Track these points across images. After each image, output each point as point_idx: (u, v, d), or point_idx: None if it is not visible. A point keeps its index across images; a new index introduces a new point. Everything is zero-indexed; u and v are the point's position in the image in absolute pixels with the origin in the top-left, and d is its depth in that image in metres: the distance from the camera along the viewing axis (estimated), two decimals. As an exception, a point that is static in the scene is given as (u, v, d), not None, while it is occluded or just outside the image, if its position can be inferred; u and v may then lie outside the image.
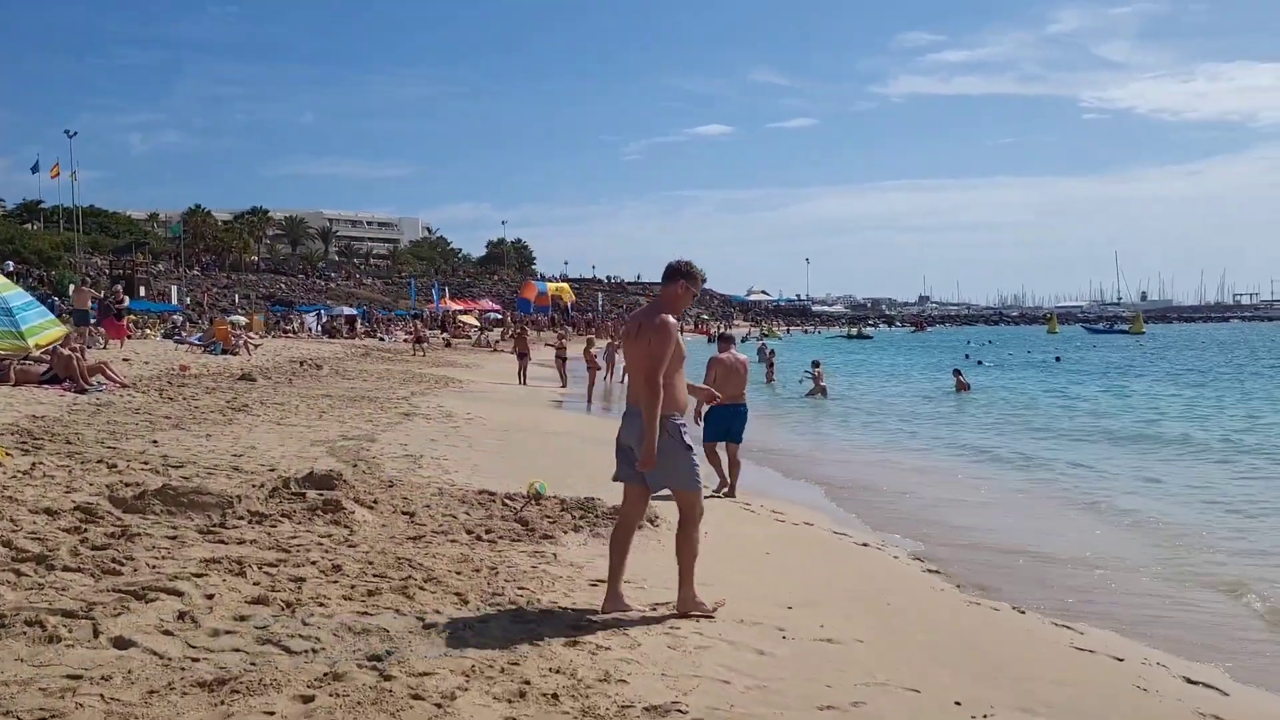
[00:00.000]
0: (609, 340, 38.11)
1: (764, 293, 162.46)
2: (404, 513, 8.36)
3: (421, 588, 5.90)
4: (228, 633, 4.86)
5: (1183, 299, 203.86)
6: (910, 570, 8.13)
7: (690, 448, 5.92)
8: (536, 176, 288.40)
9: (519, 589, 6.10)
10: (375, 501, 8.62)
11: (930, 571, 8.12)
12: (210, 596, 5.37)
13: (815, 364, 29.85)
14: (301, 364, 30.16)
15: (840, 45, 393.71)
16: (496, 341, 57.46)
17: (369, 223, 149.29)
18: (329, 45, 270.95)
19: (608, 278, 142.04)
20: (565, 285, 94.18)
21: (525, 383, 29.54)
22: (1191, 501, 11.87)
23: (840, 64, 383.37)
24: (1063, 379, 37.09)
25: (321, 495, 8.30)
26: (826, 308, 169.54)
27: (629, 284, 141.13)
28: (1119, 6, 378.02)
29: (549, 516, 8.62)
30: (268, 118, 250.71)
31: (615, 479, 6.11)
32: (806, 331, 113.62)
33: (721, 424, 11.52)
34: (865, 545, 8.90)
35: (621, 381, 34.06)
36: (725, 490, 11.37)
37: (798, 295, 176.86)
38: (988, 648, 5.85)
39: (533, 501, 9.28)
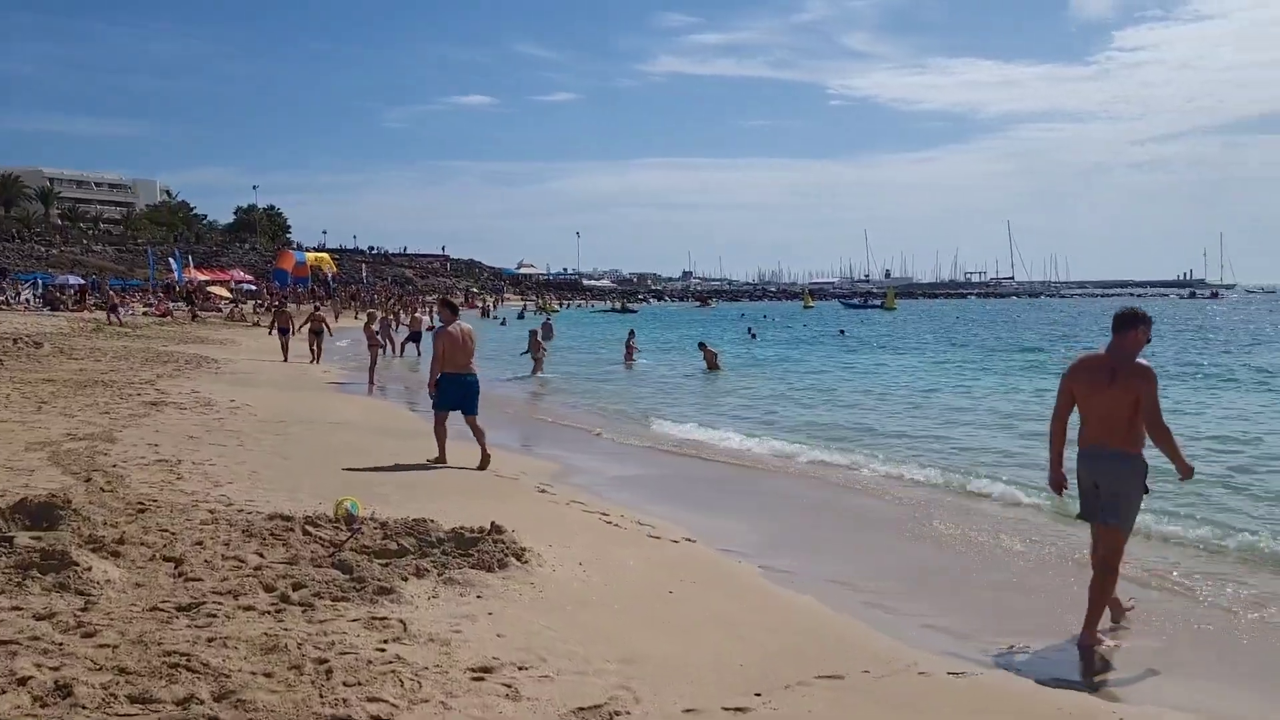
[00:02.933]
0: (384, 315, 35.05)
1: (533, 266, 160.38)
2: (166, 558, 5.93)
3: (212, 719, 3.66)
4: None
5: (921, 277, 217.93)
6: (807, 603, 6.51)
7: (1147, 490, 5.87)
8: (290, 142, 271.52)
9: (370, 700, 3.96)
10: (121, 542, 6.12)
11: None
12: None
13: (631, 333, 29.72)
14: (15, 341, 25.58)
15: (602, 21, 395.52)
16: (254, 315, 52.49)
17: (98, 184, 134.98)
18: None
19: (370, 249, 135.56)
20: (326, 255, 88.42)
21: (286, 359, 27.45)
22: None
23: (602, 40, 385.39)
24: (879, 354, 37.37)
25: (39, 541, 5.75)
26: (595, 282, 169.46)
27: (394, 255, 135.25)
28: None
29: (373, 551, 6.42)
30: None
31: (1082, 518, 6.04)
32: (579, 306, 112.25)
33: (455, 394, 11.31)
34: (769, 570, 7.20)
35: (399, 356, 31.32)
36: (479, 464, 11.01)
37: (565, 269, 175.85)
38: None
39: (346, 528, 7.02)
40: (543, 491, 9.86)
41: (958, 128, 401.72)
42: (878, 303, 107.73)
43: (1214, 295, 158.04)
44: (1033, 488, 10.25)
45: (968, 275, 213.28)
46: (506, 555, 6.10)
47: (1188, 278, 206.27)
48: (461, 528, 7.07)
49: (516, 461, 12.17)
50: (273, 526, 6.82)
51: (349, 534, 6.70)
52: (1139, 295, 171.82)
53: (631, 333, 34.44)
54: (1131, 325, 5.80)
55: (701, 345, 30.49)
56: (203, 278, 75.13)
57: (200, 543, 6.33)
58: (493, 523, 6.98)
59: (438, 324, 12.91)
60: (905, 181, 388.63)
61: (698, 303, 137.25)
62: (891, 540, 8.66)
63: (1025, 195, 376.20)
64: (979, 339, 47.60)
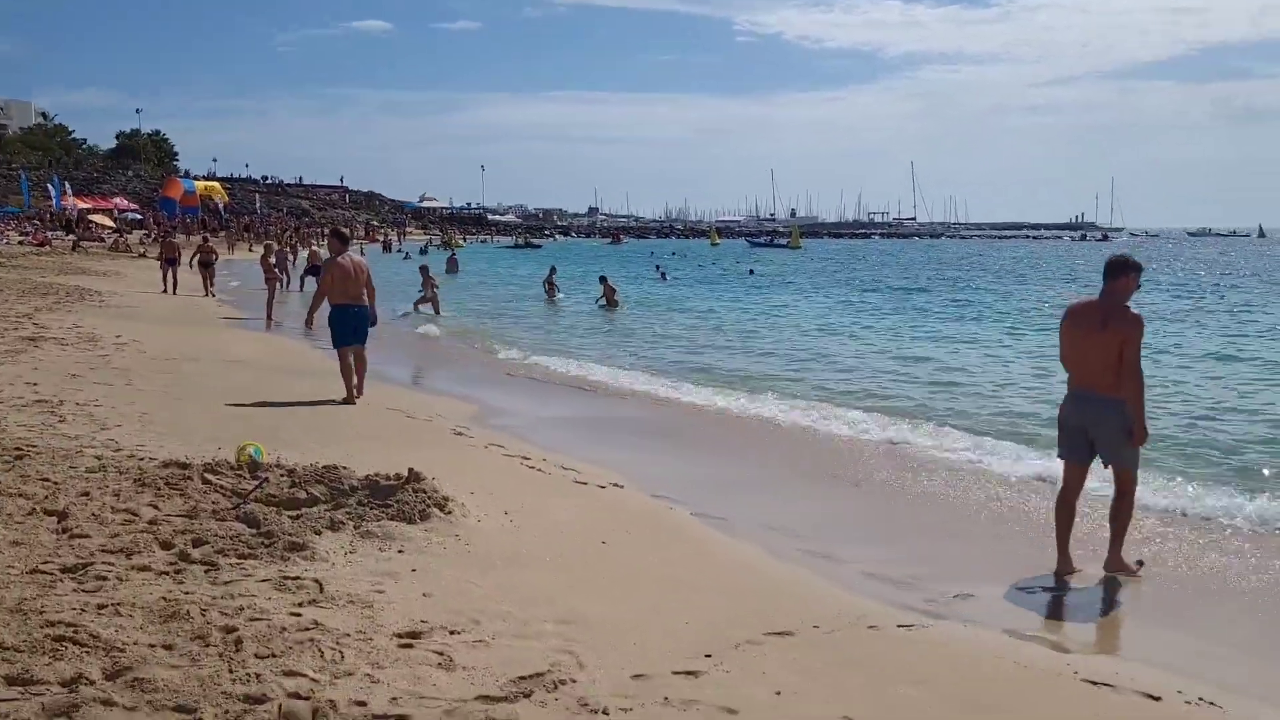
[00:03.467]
0: (280, 247, 33.57)
1: (435, 200, 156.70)
2: (48, 512, 5.36)
3: (105, 703, 3.21)
4: None
5: (826, 216, 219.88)
6: (753, 554, 6.29)
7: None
8: (175, 64, 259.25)
9: (287, 675, 3.54)
10: (-4, 493, 5.52)
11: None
12: None
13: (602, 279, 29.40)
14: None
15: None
16: (141, 246, 50.05)
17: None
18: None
19: (265, 178, 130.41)
20: (216, 185, 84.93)
21: (174, 291, 26.64)
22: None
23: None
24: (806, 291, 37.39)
25: (-103, 494, 5.12)
26: (500, 217, 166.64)
27: (289, 185, 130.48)
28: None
29: (281, 502, 5.94)
30: None
31: (1060, 457, 6.33)
32: (484, 241, 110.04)
33: (348, 327, 11.13)
34: (704, 517, 6.93)
35: (300, 290, 30.11)
36: (354, 395, 10.98)
37: (469, 203, 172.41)
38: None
39: (250, 476, 6.51)
40: (459, 434, 9.43)
41: (863, 67, 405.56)
42: (783, 241, 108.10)
43: (1104, 238, 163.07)
44: (962, 430, 10.22)
45: (871, 215, 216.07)
46: (428, 505, 5.69)
47: (1079, 220, 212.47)
48: (376, 475, 6.63)
49: (429, 403, 11.69)
50: (168, 475, 6.27)
51: (254, 483, 6.19)
52: (1034, 237, 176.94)
53: (553, 269, 33.52)
54: (1122, 272, 5.97)
55: (603, 279, 29.83)
56: (83, 206, 71.22)
57: (86, 494, 5.76)
58: (410, 469, 6.54)
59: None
60: (811, 120, 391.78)
61: (609, 239, 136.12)
62: (822, 485, 8.50)
63: (927, 136, 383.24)
64: (884, 280, 48.18)
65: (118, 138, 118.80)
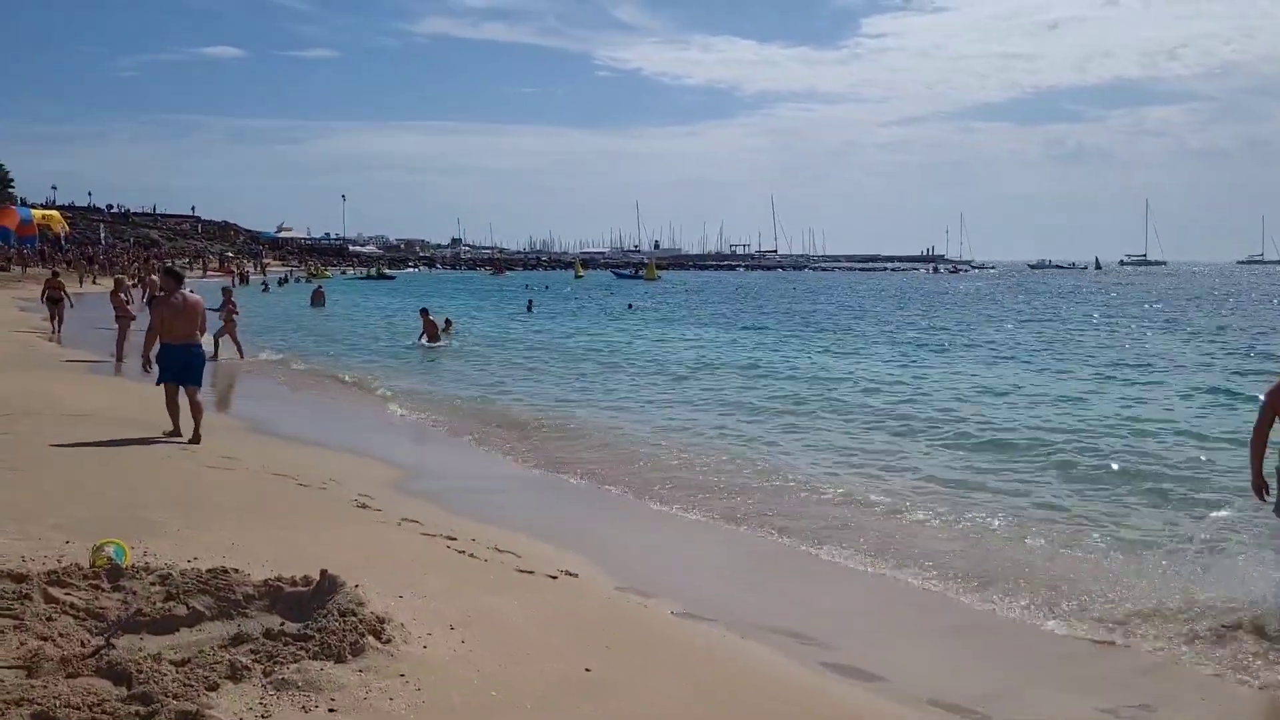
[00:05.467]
0: (132, 281, 30.89)
1: (292, 230, 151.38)
2: None
3: None
4: None
5: (689, 248, 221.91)
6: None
7: None
8: (5, 84, 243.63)
9: None
10: None
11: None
12: None
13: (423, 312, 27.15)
14: None
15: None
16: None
17: None
18: None
19: (109, 206, 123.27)
20: (55, 213, 79.30)
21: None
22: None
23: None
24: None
25: None
26: (361, 248, 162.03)
27: (135, 214, 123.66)
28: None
29: (153, 621, 4.50)
30: None
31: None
32: (344, 273, 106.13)
33: (176, 365, 10.94)
34: (693, 618, 5.71)
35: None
36: (189, 438, 10.55)
37: (328, 234, 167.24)
38: None
39: (110, 588, 5.00)
40: (363, 507, 7.98)
41: (720, 103, 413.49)
42: (641, 273, 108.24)
43: (954, 271, 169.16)
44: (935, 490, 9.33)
45: (733, 247, 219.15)
46: (360, 634, 4.29)
47: (930, 253, 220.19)
48: (278, 580, 5.21)
49: (319, 461, 10.16)
50: (-2, 591, 4.70)
51: (119, 611, 4.68)
52: (892, 269, 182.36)
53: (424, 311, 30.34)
54: None
55: (423, 312, 27.30)
56: (-96, 235, 65.32)
57: (-124, 632, 4.17)
58: (323, 572, 5.15)
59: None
60: (671, 153, 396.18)
61: (490, 270, 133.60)
62: (785, 556, 7.41)
63: (784, 171, 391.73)
64: (762, 312, 47.97)
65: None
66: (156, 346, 11.13)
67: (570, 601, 5.69)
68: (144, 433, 11.14)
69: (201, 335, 11.37)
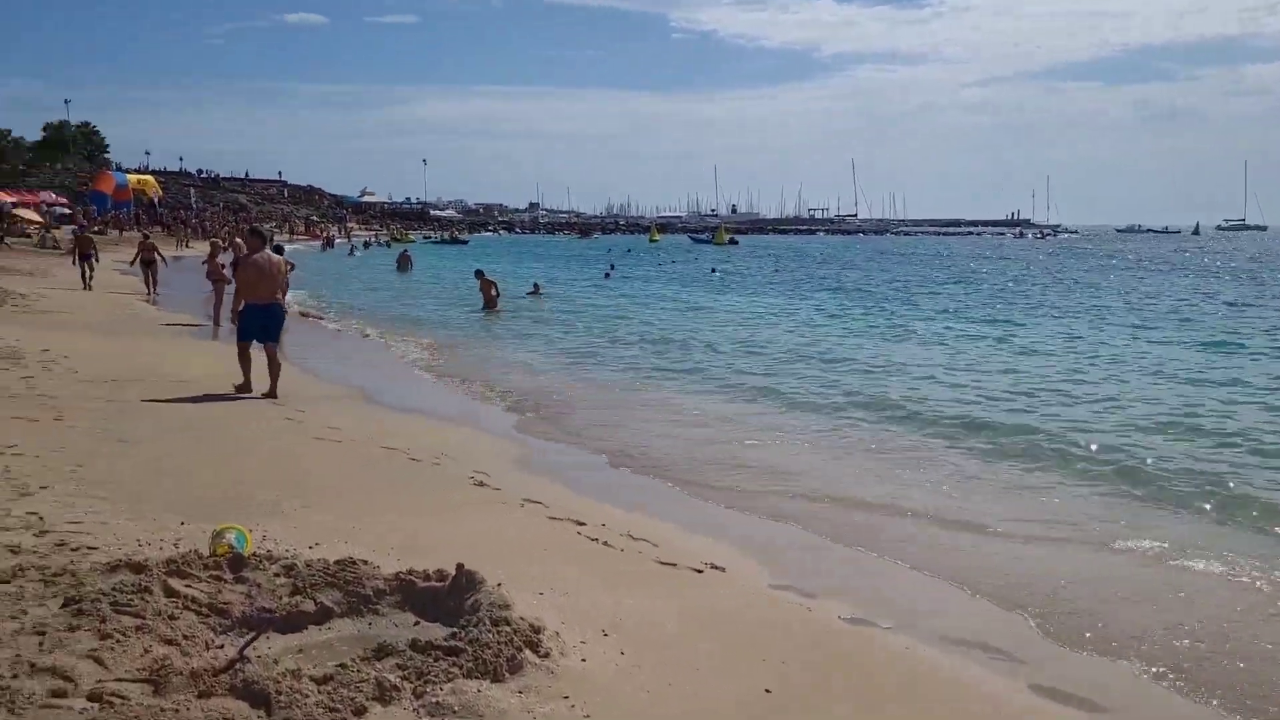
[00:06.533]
0: (225, 245, 31.08)
1: (374, 194, 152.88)
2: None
3: None
4: None
5: (767, 212, 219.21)
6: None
7: None
8: (103, 53, 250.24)
9: None
10: None
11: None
12: None
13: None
14: None
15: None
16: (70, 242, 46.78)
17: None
18: None
19: (199, 172, 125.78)
20: (150, 178, 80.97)
21: (90, 287, 25.94)
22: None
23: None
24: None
25: None
26: (441, 212, 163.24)
27: (225, 180, 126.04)
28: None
29: (283, 621, 4.07)
30: None
31: None
32: (426, 237, 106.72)
33: (255, 323, 11.31)
34: (865, 624, 5.13)
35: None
36: (265, 393, 11.05)
37: (409, 198, 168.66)
38: None
39: (234, 581, 4.60)
40: (481, 485, 7.53)
41: (798, 65, 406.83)
42: (728, 238, 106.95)
43: (1040, 236, 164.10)
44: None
45: (811, 211, 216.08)
46: (517, 646, 3.80)
47: (1015, 217, 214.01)
48: (410, 573, 4.77)
49: (426, 431, 9.77)
50: (116, 587, 4.31)
51: (245, 609, 4.26)
52: (976, 233, 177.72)
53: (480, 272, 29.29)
54: None
55: (478, 274, 26.35)
56: (7, 200, 67.28)
57: (-10, 628, 3.81)
58: (460, 567, 4.70)
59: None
60: (748, 117, 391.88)
61: (577, 234, 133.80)
62: (929, 556, 6.76)
63: (863, 133, 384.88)
64: (848, 280, 46.73)
65: (45, 129, 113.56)
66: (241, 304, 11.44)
67: (724, 603, 5.14)
68: (247, 399, 10.91)
69: (284, 296, 11.64)
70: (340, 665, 3.66)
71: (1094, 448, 9.59)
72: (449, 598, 4.64)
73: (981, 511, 7.48)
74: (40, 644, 3.69)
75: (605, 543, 6.11)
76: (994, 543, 6.78)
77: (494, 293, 25.37)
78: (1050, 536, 6.91)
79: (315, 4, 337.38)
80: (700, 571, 5.68)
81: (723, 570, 5.75)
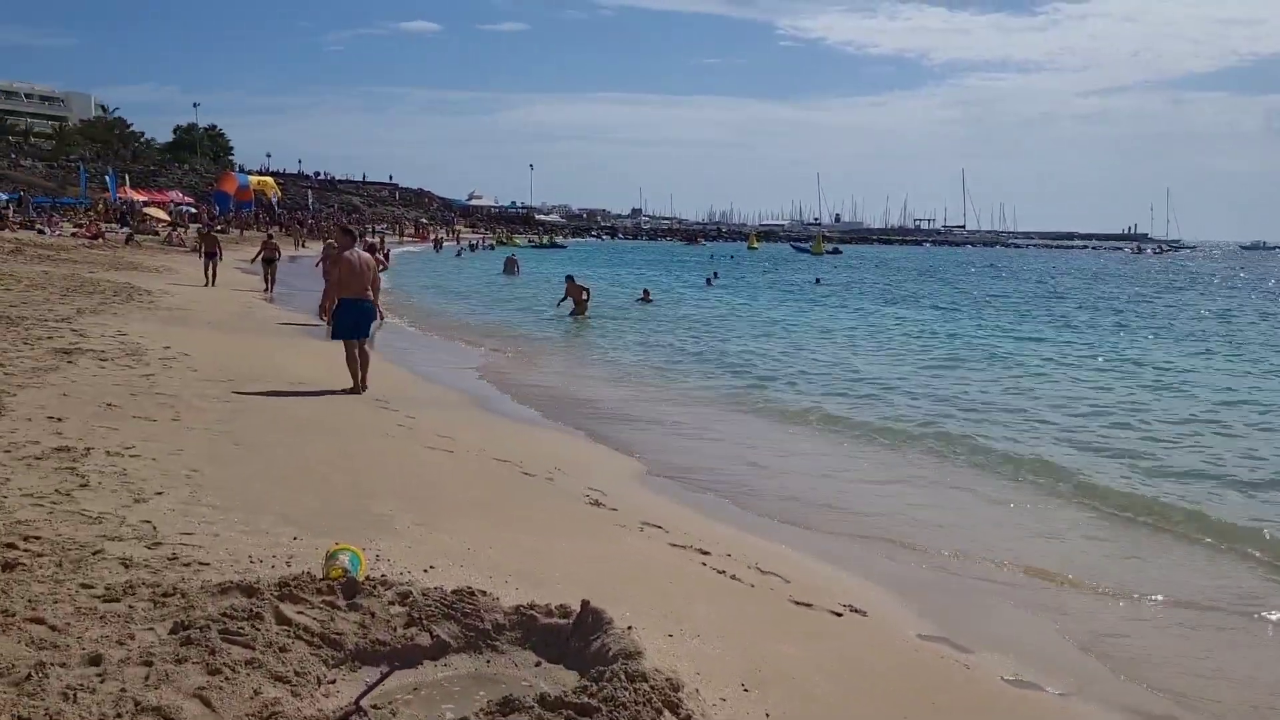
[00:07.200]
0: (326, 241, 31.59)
1: (481, 197, 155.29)
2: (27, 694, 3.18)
3: None
4: None
5: (871, 222, 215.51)
6: None
7: None
8: (229, 59, 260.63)
9: None
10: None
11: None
12: None
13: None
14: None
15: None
16: (195, 240, 48.45)
17: (28, 95, 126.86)
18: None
19: (316, 174, 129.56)
20: (269, 180, 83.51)
21: (213, 284, 26.57)
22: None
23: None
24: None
25: None
26: (545, 216, 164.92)
27: (339, 181, 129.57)
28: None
29: (391, 650, 3.77)
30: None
31: None
32: (530, 241, 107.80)
33: (350, 320, 11.51)
34: (1032, 689, 4.59)
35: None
36: (355, 386, 11.28)
37: (514, 202, 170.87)
38: None
39: (347, 608, 4.32)
40: (596, 505, 7.19)
41: (907, 74, 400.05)
42: (830, 248, 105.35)
43: (1159, 251, 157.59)
44: None
45: (917, 222, 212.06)
46: (657, 708, 3.38)
47: (1133, 231, 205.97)
48: (531, 607, 4.44)
49: (537, 442, 9.50)
50: (227, 611, 4.07)
51: (359, 640, 3.96)
52: (1092, 248, 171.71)
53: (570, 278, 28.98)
54: None
55: (569, 279, 26.28)
56: (139, 198, 70.20)
57: (97, 659, 3.58)
58: (585, 603, 4.34)
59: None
60: (854, 125, 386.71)
61: (683, 240, 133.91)
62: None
63: (973, 143, 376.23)
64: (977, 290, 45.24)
65: (175, 131, 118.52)
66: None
67: (870, 656, 4.66)
68: (360, 402, 10.82)
69: (375, 294, 11.83)
70: (436, 660, 3.32)
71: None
72: (574, 638, 4.28)
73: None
74: (146, 678, 3.44)
75: (733, 576, 5.69)
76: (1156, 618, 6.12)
77: (584, 297, 25.32)
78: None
79: (431, 13, 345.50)
80: (839, 615, 5.22)
81: (864, 615, 5.27)
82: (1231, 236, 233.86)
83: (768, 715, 3.74)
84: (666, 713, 3.41)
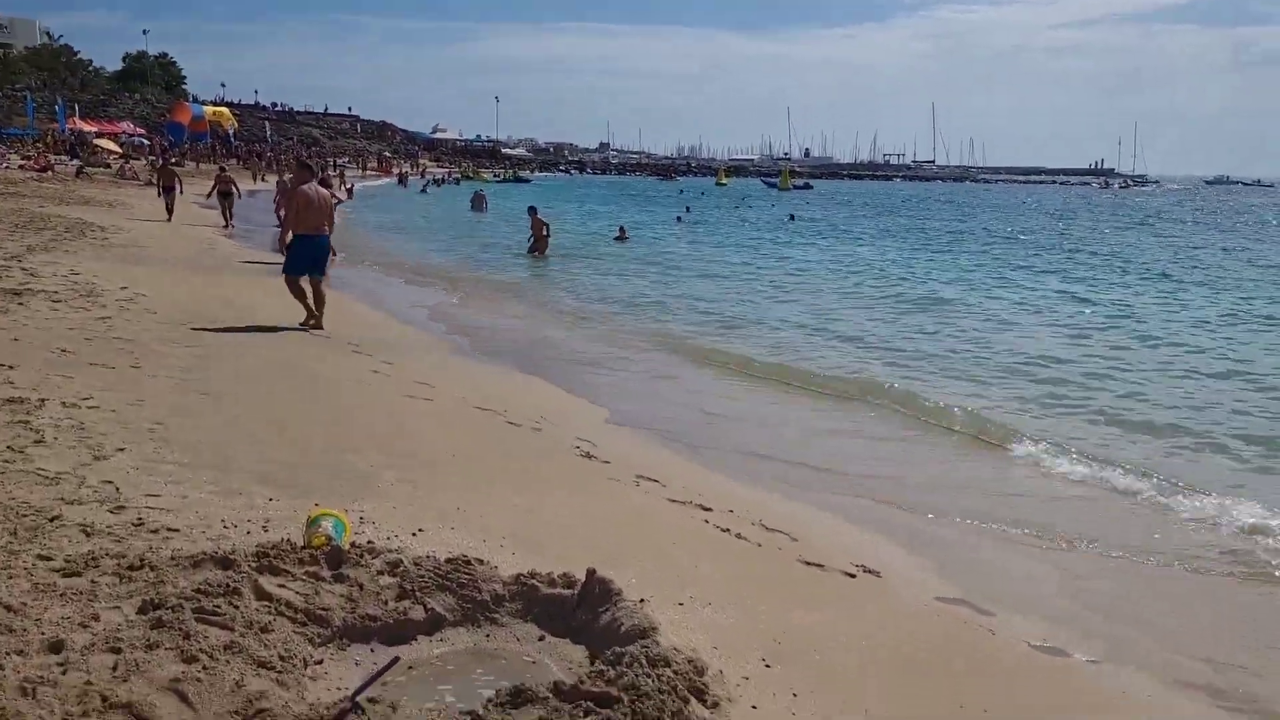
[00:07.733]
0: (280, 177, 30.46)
1: (446, 131, 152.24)
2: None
3: None
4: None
5: (841, 157, 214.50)
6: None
7: None
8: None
9: None
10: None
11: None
12: None
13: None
14: None
15: None
16: (149, 173, 46.94)
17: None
18: None
19: (274, 104, 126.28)
20: (225, 110, 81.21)
21: (170, 219, 25.40)
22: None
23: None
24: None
25: None
26: (512, 151, 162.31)
27: (299, 113, 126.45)
28: None
29: (383, 623, 3.45)
30: None
31: None
32: (495, 175, 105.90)
33: (307, 256, 11.32)
34: (1060, 656, 4.36)
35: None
36: (312, 323, 11.17)
37: (479, 136, 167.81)
38: None
39: (332, 579, 3.98)
40: (588, 457, 6.86)
41: (877, 3, 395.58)
42: (800, 183, 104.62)
43: (1125, 186, 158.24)
44: None
45: (887, 157, 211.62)
46: (682, 697, 3.08)
47: (1099, 166, 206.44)
48: (532, 576, 4.13)
49: (522, 390, 9.14)
50: (201, 587, 3.71)
51: (346, 616, 3.63)
52: (1059, 182, 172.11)
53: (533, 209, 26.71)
54: None
55: (531, 211, 25.61)
56: (89, 129, 68.04)
57: (58, 645, 3.22)
58: (590, 571, 4.04)
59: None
60: (824, 59, 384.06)
61: (657, 176, 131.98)
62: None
63: (943, 77, 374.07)
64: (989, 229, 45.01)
65: (124, 60, 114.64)
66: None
67: (889, 620, 4.39)
68: (331, 346, 10.39)
69: (330, 230, 11.58)
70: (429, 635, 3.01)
71: None
72: (580, 609, 3.98)
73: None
74: (114, 667, 3.09)
75: (738, 534, 5.40)
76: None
77: (545, 233, 24.70)
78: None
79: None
80: (853, 576, 4.95)
81: (878, 575, 5.01)
82: (1197, 171, 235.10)
83: (795, 695, 3.46)
84: (693, 700, 3.11)
